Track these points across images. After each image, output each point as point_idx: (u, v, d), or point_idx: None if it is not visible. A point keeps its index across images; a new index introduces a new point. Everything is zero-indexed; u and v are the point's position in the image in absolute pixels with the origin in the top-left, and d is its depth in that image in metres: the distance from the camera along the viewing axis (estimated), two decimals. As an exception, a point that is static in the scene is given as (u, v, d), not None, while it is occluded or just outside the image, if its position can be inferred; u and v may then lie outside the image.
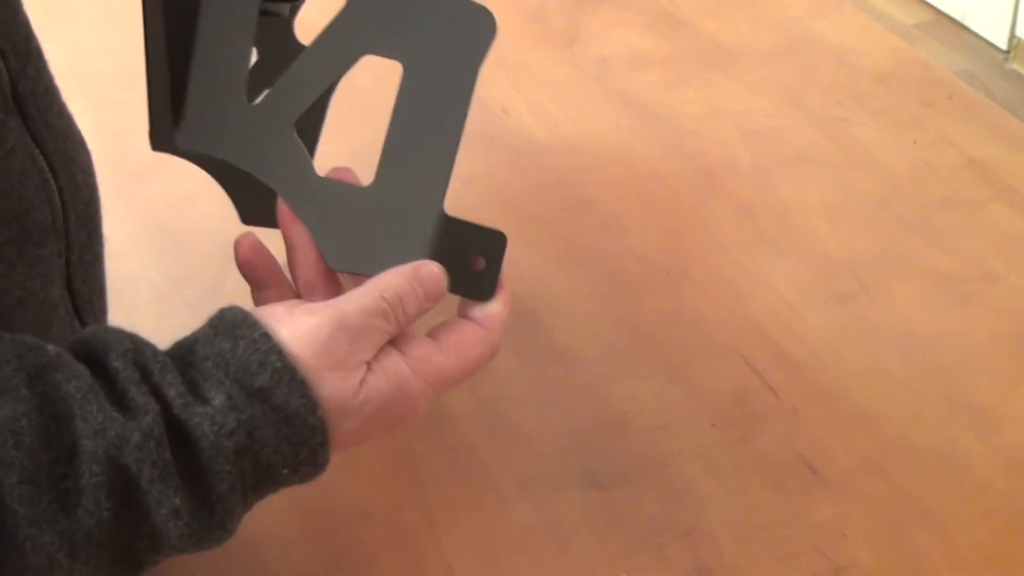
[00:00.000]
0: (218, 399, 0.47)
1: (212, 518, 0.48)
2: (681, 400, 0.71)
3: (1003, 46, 2.49)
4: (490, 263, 0.55)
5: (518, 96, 0.96)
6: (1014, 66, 2.46)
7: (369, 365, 0.52)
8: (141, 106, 0.95)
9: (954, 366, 0.73)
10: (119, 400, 0.46)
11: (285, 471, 0.49)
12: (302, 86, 0.54)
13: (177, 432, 0.47)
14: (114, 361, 0.47)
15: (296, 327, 0.50)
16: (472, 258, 0.55)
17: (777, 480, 0.67)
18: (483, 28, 0.54)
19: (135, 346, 0.48)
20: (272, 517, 0.65)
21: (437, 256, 0.54)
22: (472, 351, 0.54)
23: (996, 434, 0.69)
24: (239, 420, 0.47)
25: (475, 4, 0.54)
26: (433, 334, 0.55)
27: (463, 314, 0.56)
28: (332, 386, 0.50)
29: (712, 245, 0.82)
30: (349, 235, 0.54)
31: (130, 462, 0.45)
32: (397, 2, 0.54)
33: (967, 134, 0.91)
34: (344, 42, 0.54)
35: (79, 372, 0.46)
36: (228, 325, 0.49)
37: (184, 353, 0.49)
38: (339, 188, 0.55)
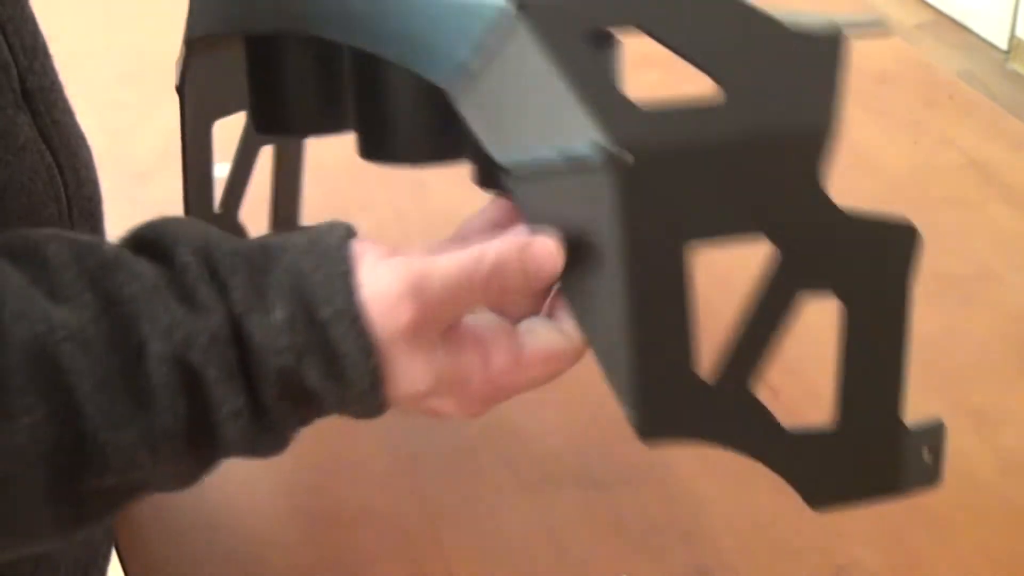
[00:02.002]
0: (280, 314, 0.46)
1: (264, 423, 0.47)
2: (681, 400, 0.71)
3: (1003, 46, 2.49)
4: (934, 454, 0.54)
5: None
6: (1014, 66, 2.46)
7: (445, 337, 0.48)
8: (141, 106, 0.95)
9: (954, 366, 0.73)
10: (187, 296, 0.45)
11: (329, 401, 0.48)
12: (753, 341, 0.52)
13: (238, 337, 0.46)
14: (183, 255, 0.46)
15: (383, 267, 0.47)
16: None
17: (777, 480, 0.67)
18: (908, 243, 0.52)
19: (206, 243, 0.47)
20: (272, 517, 0.65)
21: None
22: (550, 368, 0.52)
23: (996, 435, 0.69)
24: (292, 342, 0.46)
25: (898, 222, 0.52)
26: (522, 337, 0.51)
27: (554, 315, 0.52)
28: (392, 342, 0.47)
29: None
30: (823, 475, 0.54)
31: (197, 362, 0.45)
32: (825, 236, 0.52)
33: (967, 134, 0.91)
34: (780, 286, 0.52)
35: (141, 272, 0.45)
36: (322, 248, 0.47)
37: (265, 257, 0.47)
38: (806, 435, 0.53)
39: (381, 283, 0.46)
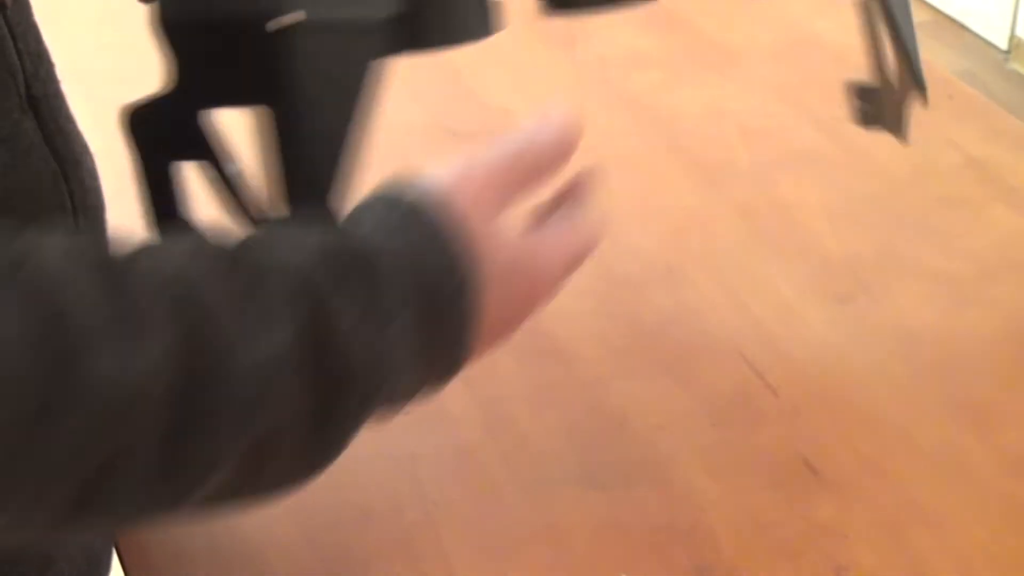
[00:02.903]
0: (369, 220, 0.48)
1: (392, 332, 0.46)
2: (681, 400, 0.71)
3: (1003, 46, 2.49)
4: None
5: (518, 96, 0.96)
6: (1014, 66, 2.46)
7: (504, 217, 0.51)
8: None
9: (954, 366, 0.73)
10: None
11: (445, 293, 0.48)
12: None
13: (342, 252, 0.46)
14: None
15: (438, 169, 0.50)
16: None
17: (777, 480, 0.67)
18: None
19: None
20: (272, 517, 0.65)
21: None
22: (586, 226, 0.55)
23: (996, 434, 0.69)
24: (392, 232, 0.47)
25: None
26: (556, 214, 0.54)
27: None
28: (473, 214, 0.49)
29: (712, 245, 0.82)
30: None
31: (307, 270, 0.45)
32: None
33: (967, 134, 0.91)
34: None
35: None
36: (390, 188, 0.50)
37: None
38: None
39: (436, 178, 0.50)
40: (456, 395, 0.71)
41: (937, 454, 0.68)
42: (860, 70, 0.98)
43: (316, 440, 0.45)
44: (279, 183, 0.55)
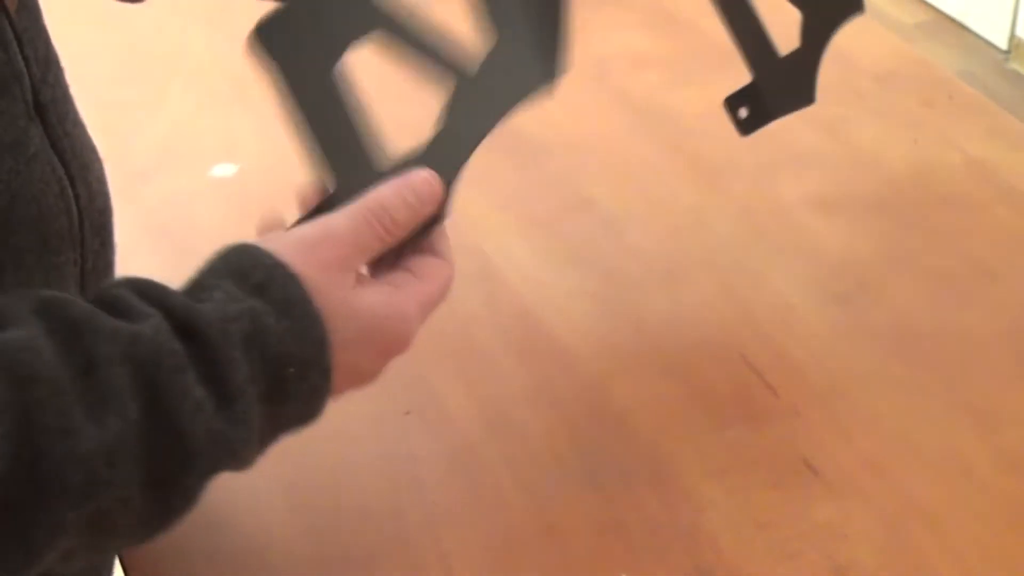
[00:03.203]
0: (218, 294, 0.48)
1: (234, 413, 0.47)
2: (681, 400, 0.71)
3: (1003, 46, 2.49)
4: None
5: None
6: (1014, 66, 2.46)
7: (359, 279, 0.52)
8: (141, 106, 0.95)
9: (954, 366, 0.73)
10: (124, 314, 0.47)
11: (292, 370, 0.49)
12: None
13: (186, 331, 0.47)
14: (113, 290, 0.48)
15: (285, 238, 0.51)
16: None
17: (777, 480, 0.67)
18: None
19: (134, 280, 0.49)
20: (272, 517, 0.66)
21: None
22: (442, 276, 0.55)
23: (996, 434, 0.69)
24: (241, 309, 0.48)
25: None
26: (404, 269, 0.55)
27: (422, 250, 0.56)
28: (325, 286, 0.50)
29: (712, 245, 0.82)
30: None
31: (147, 356, 0.45)
32: None
33: (967, 134, 0.91)
34: None
35: (79, 301, 0.47)
36: (223, 249, 0.51)
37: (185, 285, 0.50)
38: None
39: (292, 236, 0.51)
40: (456, 395, 0.72)
41: (937, 454, 0.68)
42: (860, 70, 0.98)
43: (157, 510, 0.47)
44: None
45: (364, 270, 0.54)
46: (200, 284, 0.49)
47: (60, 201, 0.56)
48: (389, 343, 0.53)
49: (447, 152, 0.57)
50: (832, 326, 0.76)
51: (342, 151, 0.55)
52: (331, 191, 0.55)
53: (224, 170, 0.87)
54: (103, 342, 0.45)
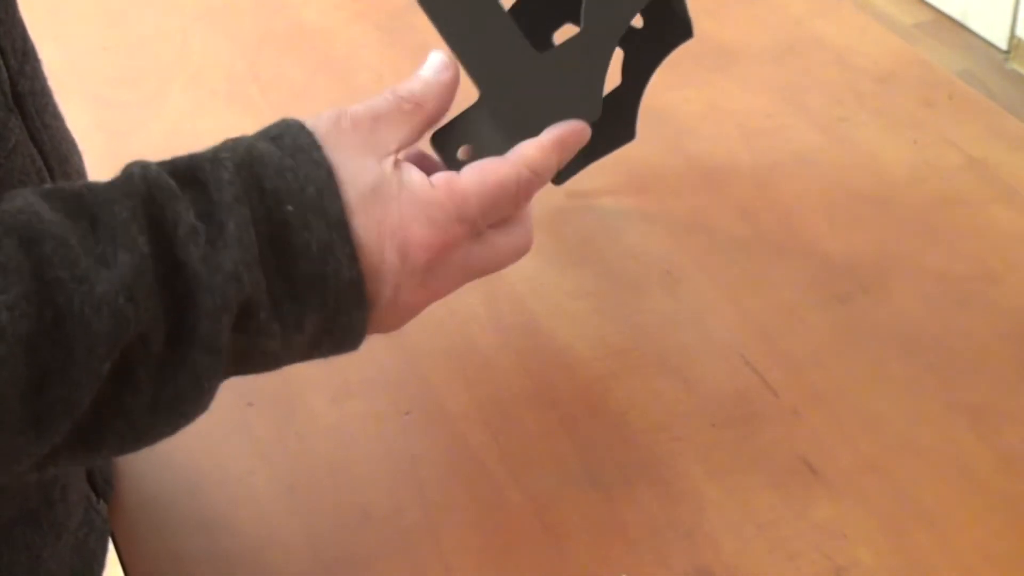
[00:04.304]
0: (225, 142, 0.49)
1: (224, 231, 0.46)
2: (681, 400, 0.71)
3: (1003, 46, 2.49)
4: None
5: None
6: (1014, 66, 2.46)
7: (396, 162, 0.51)
8: (141, 106, 0.96)
9: (954, 366, 0.73)
10: (118, 178, 0.47)
11: (290, 208, 0.47)
12: None
13: (182, 172, 0.47)
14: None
15: (317, 118, 0.51)
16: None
17: (777, 480, 0.67)
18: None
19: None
20: (272, 517, 0.66)
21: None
22: (493, 174, 0.53)
23: (996, 434, 0.69)
24: (240, 144, 0.48)
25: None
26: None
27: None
28: (350, 152, 0.50)
29: (712, 245, 0.82)
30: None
31: (144, 192, 0.45)
32: None
33: (967, 134, 0.91)
34: None
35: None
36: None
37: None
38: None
39: (323, 116, 0.52)
40: (456, 395, 0.72)
41: (937, 454, 0.68)
42: (860, 70, 0.98)
43: (170, 376, 0.45)
44: None
45: None
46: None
47: None
48: (426, 233, 0.51)
49: (589, 47, 0.58)
50: (832, 326, 0.76)
51: (484, 52, 0.56)
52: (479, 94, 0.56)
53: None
54: (100, 192, 0.45)
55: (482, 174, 0.53)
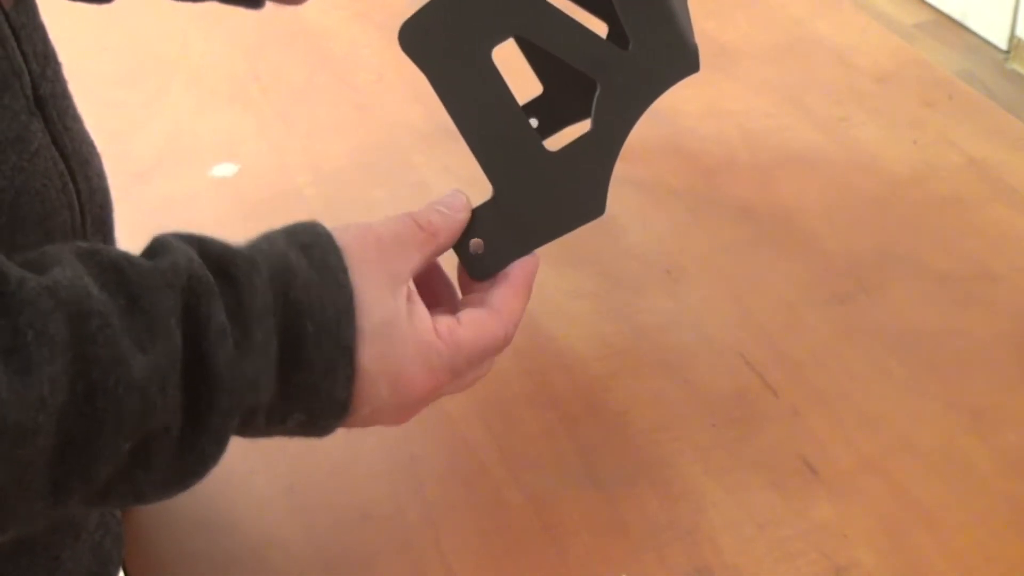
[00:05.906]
0: (261, 242, 0.51)
1: (252, 344, 0.48)
2: (681, 400, 0.71)
3: (1003, 46, 2.49)
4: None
5: (518, 96, 0.95)
6: (1014, 66, 2.46)
7: (409, 294, 0.54)
8: (141, 106, 0.95)
9: (954, 366, 0.73)
10: (159, 253, 0.48)
11: (310, 327, 0.50)
12: None
13: (218, 265, 0.48)
14: (155, 239, 0.50)
15: (344, 230, 0.53)
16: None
17: (777, 480, 0.67)
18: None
19: (173, 232, 0.50)
20: (272, 517, 0.66)
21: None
22: (487, 331, 0.56)
23: (996, 434, 0.69)
24: (275, 250, 0.50)
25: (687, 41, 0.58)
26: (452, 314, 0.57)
27: (480, 303, 0.58)
28: (371, 280, 0.52)
29: (712, 245, 0.82)
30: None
31: (183, 283, 0.46)
32: None
33: (967, 134, 0.91)
34: None
35: (115, 248, 0.48)
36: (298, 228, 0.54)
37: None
38: None
39: (341, 229, 0.53)
40: (456, 395, 0.71)
41: (937, 454, 0.68)
42: (860, 70, 0.98)
43: (188, 447, 0.48)
44: None
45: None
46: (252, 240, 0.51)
47: (62, 196, 0.56)
48: (415, 372, 0.54)
49: (598, 146, 0.59)
50: (832, 326, 0.76)
51: (498, 151, 0.58)
52: (492, 192, 0.58)
53: (224, 170, 0.87)
54: (144, 275, 0.46)
55: (480, 330, 0.56)
